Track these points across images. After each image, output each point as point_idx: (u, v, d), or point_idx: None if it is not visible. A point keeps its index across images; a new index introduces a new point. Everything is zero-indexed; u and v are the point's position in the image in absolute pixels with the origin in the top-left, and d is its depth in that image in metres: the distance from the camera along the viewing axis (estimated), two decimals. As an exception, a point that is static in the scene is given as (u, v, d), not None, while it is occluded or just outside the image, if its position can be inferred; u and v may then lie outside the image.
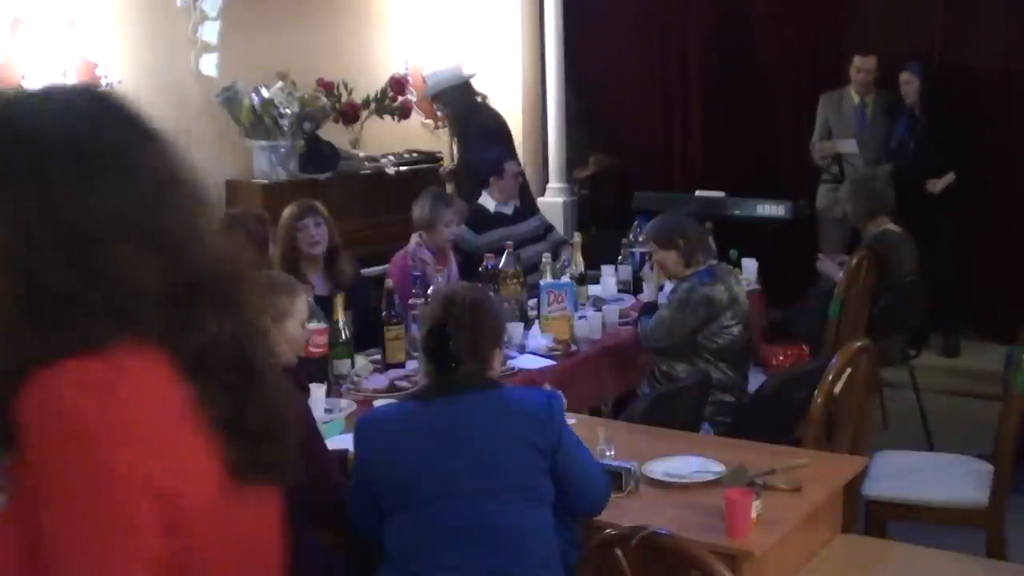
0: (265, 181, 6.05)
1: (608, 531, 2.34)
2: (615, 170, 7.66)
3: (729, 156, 7.41)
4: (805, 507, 2.78)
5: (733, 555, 2.51)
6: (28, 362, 1.15)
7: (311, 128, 6.18)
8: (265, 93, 5.96)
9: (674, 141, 7.70)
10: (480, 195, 5.67)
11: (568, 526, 2.67)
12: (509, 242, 4.78)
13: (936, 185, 6.12)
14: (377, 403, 3.37)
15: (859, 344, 3.47)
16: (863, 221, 5.31)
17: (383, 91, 6.71)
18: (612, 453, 2.93)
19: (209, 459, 1.21)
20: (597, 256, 5.51)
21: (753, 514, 2.61)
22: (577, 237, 5.14)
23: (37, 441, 1.14)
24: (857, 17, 6.82)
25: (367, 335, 4.06)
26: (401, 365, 3.99)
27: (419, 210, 4.96)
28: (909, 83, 6.19)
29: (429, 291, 4.23)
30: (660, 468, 2.96)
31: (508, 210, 5.63)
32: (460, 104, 6.43)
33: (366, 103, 6.64)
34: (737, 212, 6.92)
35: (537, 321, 4.48)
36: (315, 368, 3.62)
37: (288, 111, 5.98)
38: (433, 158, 6.89)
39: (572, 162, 7.72)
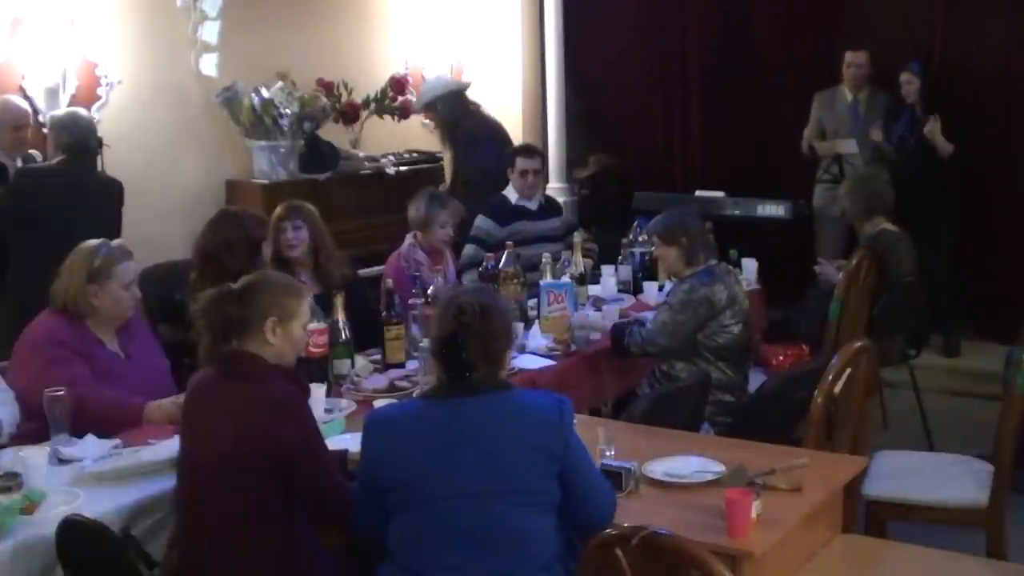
0: (265, 181, 6.05)
1: (608, 531, 2.34)
2: (615, 170, 7.66)
3: (729, 156, 7.41)
4: (805, 507, 2.78)
5: (733, 555, 2.51)
6: None
7: (311, 128, 6.18)
8: (265, 93, 5.96)
9: (674, 141, 7.70)
10: (472, 203, 5.67)
11: (570, 533, 2.66)
12: (510, 242, 4.78)
13: (935, 134, 6.07)
14: (377, 403, 3.37)
15: (859, 344, 3.47)
16: (860, 220, 5.31)
17: (383, 91, 6.71)
18: (612, 453, 2.93)
19: None
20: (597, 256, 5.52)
21: (753, 514, 2.61)
22: (577, 237, 5.13)
23: None
24: (857, 17, 6.81)
25: (364, 335, 4.06)
26: (401, 365, 3.99)
27: (414, 210, 4.94)
28: (910, 83, 6.19)
29: (429, 291, 4.25)
30: (660, 468, 2.96)
31: (532, 205, 5.63)
32: (449, 112, 6.40)
33: (366, 103, 6.64)
34: (737, 212, 6.92)
35: (537, 321, 4.48)
36: (315, 368, 3.62)
37: (288, 111, 5.99)
38: (433, 158, 6.89)
39: (572, 162, 7.72)
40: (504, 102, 7.72)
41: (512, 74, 7.76)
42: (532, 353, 4.20)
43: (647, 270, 5.14)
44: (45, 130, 5.26)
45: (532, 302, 4.59)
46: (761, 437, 3.36)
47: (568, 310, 4.47)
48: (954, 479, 3.61)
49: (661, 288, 4.93)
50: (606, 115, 7.84)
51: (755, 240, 6.08)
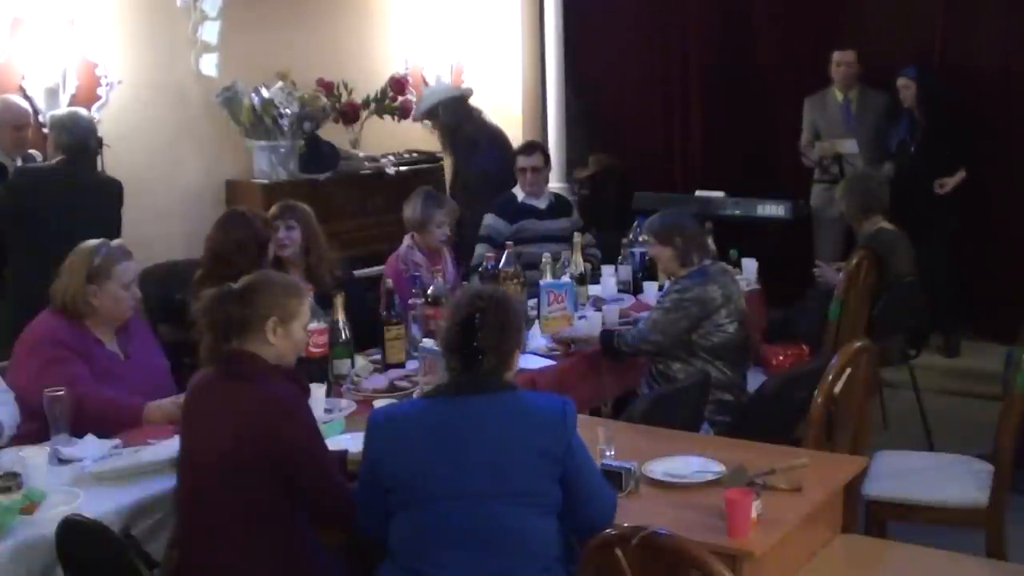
0: (265, 181, 6.05)
1: (608, 531, 2.34)
2: (615, 170, 7.65)
3: (729, 156, 7.41)
4: (805, 507, 2.78)
5: (733, 555, 2.51)
6: None
7: (311, 128, 6.18)
8: (265, 93, 5.96)
9: (674, 141, 7.69)
10: (472, 207, 5.67)
11: (570, 535, 2.66)
12: (510, 242, 4.78)
13: (947, 185, 6.11)
14: (377, 403, 3.37)
15: (859, 344, 3.47)
16: (858, 220, 5.32)
17: (383, 91, 6.71)
18: (612, 453, 2.93)
19: None
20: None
21: (753, 514, 2.61)
22: (577, 237, 5.13)
23: None
24: (857, 17, 6.81)
25: (360, 335, 4.05)
26: (401, 365, 3.99)
27: (410, 211, 4.93)
28: (907, 88, 6.19)
29: (429, 291, 4.25)
30: (660, 468, 2.96)
31: (541, 204, 5.63)
32: (450, 117, 6.40)
33: (366, 103, 6.64)
34: (737, 212, 6.92)
35: (537, 321, 4.48)
36: (315, 368, 3.62)
37: (288, 111, 5.99)
38: (433, 158, 6.89)
39: (572, 162, 7.72)
40: (504, 102, 7.72)
41: (512, 74, 7.76)
42: (532, 353, 4.20)
43: (647, 270, 5.14)
44: (45, 130, 5.26)
45: (532, 302, 4.59)
46: (761, 437, 3.36)
47: (568, 310, 4.47)
48: (954, 479, 3.61)
49: (661, 288, 4.93)
50: (606, 115, 7.83)
51: (755, 240, 6.08)
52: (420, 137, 7.00)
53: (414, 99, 7.00)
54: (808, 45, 7.01)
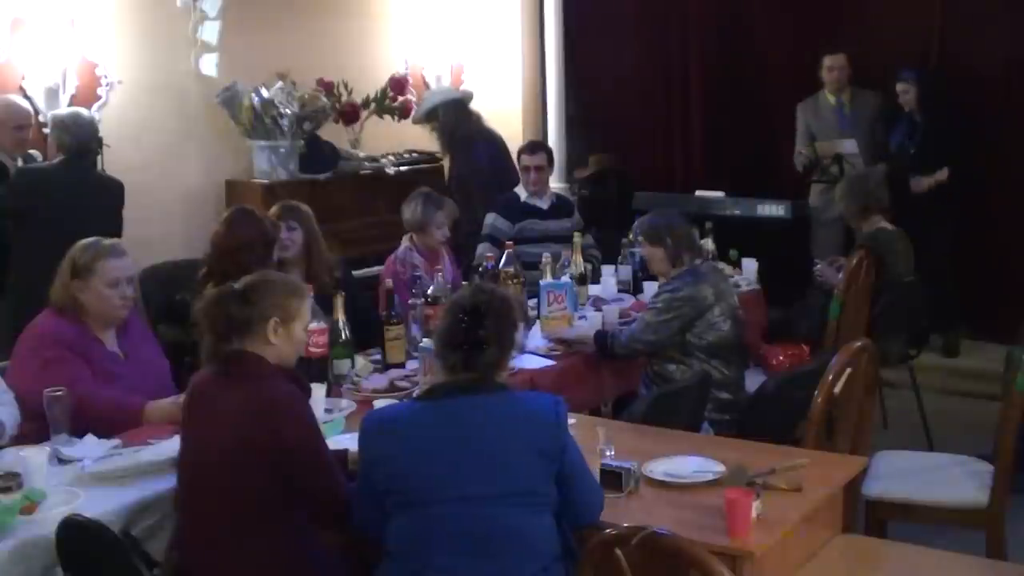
0: (265, 181, 6.05)
1: (608, 531, 2.34)
2: (615, 170, 7.65)
3: (729, 156, 7.41)
4: (805, 507, 2.78)
5: (733, 555, 2.51)
6: None
7: (311, 128, 6.18)
8: (265, 93, 5.96)
9: (674, 141, 7.69)
10: (469, 208, 5.66)
11: (568, 532, 2.66)
12: (510, 242, 4.78)
13: (922, 183, 6.10)
14: (377, 403, 3.37)
15: (859, 344, 3.47)
16: (857, 220, 5.32)
17: (383, 91, 6.71)
18: (612, 453, 2.93)
19: None
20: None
21: (753, 514, 2.61)
22: (577, 238, 5.13)
23: None
24: (856, 18, 6.81)
25: (360, 335, 4.05)
26: (401, 365, 3.99)
27: (409, 212, 4.92)
28: (907, 92, 6.19)
29: (428, 291, 4.25)
30: (660, 468, 2.96)
31: (543, 204, 5.63)
32: (449, 119, 6.39)
33: (366, 103, 6.64)
34: (737, 212, 6.92)
35: (537, 321, 4.48)
36: (315, 368, 3.62)
37: (288, 111, 5.99)
38: (433, 158, 6.89)
39: (572, 162, 7.72)
40: (504, 102, 7.73)
41: (512, 74, 7.76)
42: (532, 353, 4.20)
43: (647, 270, 5.14)
44: (45, 130, 5.26)
45: (532, 302, 4.59)
46: (761, 437, 3.37)
47: (568, 310, 4.47)
48: (954, 479, 3.61)
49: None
50: (606, 115, 7.83)
51: (755, 240, 6.07)
52: (420, 137, 7.00)
53: (414, 99, 7.01)
54: (808, 45, 7.00)
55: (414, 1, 7.27)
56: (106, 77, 5.66)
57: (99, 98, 5.64)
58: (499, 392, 2.63)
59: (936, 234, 5.95)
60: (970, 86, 6.32)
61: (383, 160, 6.64)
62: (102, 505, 2.78)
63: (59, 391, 3.18)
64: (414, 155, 6.87)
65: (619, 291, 5.11)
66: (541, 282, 4.58)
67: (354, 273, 5.06)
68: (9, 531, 2.63)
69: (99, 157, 5.20)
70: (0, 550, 2.58)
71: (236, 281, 2.91)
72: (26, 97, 5.29)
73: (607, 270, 5.19)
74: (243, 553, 2.69)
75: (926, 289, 5.21)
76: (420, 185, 5.30)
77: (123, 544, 2.62)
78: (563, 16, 7.58)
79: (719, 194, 7.07)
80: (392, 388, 3.76)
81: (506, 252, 4.61)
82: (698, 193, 7.17)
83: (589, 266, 5.12)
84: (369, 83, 6.72)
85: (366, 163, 6.58)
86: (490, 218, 5.52)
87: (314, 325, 3.68)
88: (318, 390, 3.38)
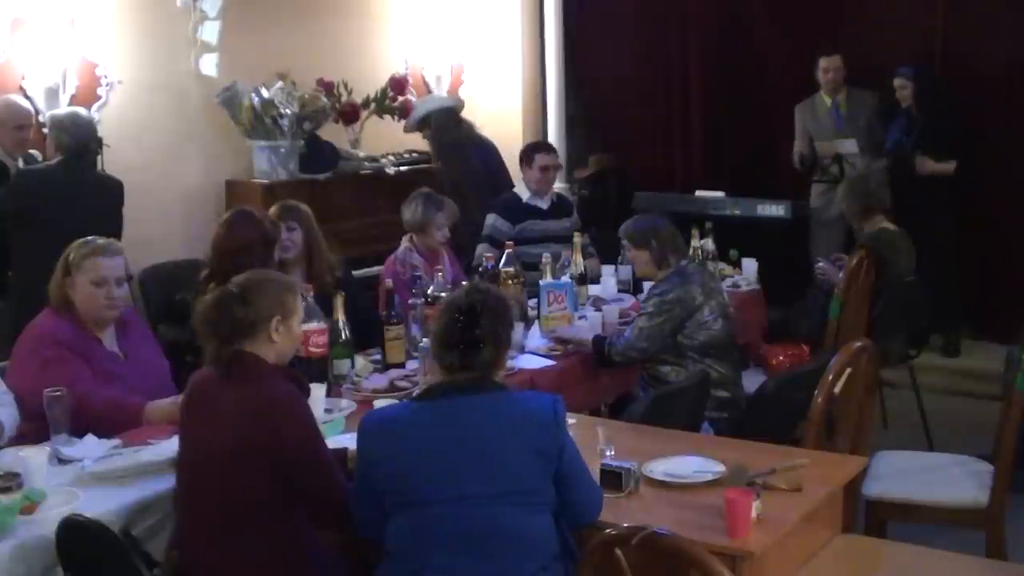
0: (265, 181, 6.05)
1: (608, 531, 2.34)
2: (615, 170, 7.66)
3: (729, 156, 7.41)
4: (805, 507, 2.78)
5: (733, 555, 2.51)
6: None
7: (311, 128, 6.18)
8: (265, 93, 5.96)
9: (674, 141, 7.69)
10: (467, 211, 5.65)
11: (566, 532, 2.66)
12: (510, 242, 4.78)
13: (926, 165, 6.09)
14: (377, 403, 3.37)
15: (859, 344, 3.47)
16: (859, 220, 5.32)
17: (383, 91, 6.71)
18: (612, 453, 2.93)
19: None
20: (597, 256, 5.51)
21: (753, 514, 2.61)
22: (577, 238, 5.13)
23: None
24: (856, 17, 6.81)
25: (360, 335, 4.05)
26: (401, 365, 3.99)
27: (410, 213, 4.92)
28: (904, 88, 6.19)
29: (429, 291, 4.25)
30: (660, 468, 2.96)
31: (543, 204, 5.62)
32: (440, 125, 6.36)
33: (366, 103, 6.64)
34: (737, 212, 6.92)
35: (537, 321, 4.48)
36: (315, 368, 3.62)
37: (288, 111, 5.99)
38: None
39: (572, 162, 7.72)
40: (504, 102, 7.73)
41: (512, 74, 7.76)
42: (532, 353, 4.20)
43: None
44: (45, 130, 5.26)
45: (532, 302, 4.59)
46: (761, 437, 3.36)
47: (568, 310, 4.47)
48: (954, 479, 3.62)
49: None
50: (606, 115, 7.84)
51: (755, 240, 6.08)
52: (420, 137, 7.00)
53: (414, 99, 7.01)
54: (808, 45, 6.99)
55: (414, 1, 7.27)
56: (106, 77, 5.66)
57: (99, 98, 5.64)
58: (497, 392, 2.63)
59: (936, 234, 5.95)
60: (973, 86, 6.32)
61: (383, 160, 6.64)
62: (102, 505, 2.78)
63: (59, 391, 3.18)
64: (414, 155, 6.87)
65: (619, 291, 5.11)
66: (541, 282, 4.58)
67: (354, 273, 5.06)
68: (9, 531, 2.63)
69: (99, 157, 5.20)
70: (0, 550, 2.58)
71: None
72: (26, 97, 5.28)
73: (607, 270, 5.19)
74: (243, 553, 2.70)
75: (926, 289, 5.21)
76: (420, 185, 5.30)
77: (123, 544, 2.62)
78: (563, 16, 7.58)
79: (719, 194, 7.07)
80: (392, 388, 3.76)
81: (506, 252, 4.61)
82: (698, 193, 7.17)
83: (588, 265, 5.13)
84: (369, 83, 6.72)
85: (366, 163, 6.58)
86: (490, 219, 5.51)
87: (314, 325, 3.68)
88: (318, 390, 3.38)
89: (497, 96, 7.71)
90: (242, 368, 2.77)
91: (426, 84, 7.39)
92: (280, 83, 6.04)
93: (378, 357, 4.08)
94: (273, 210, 4.48)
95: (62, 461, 3.08)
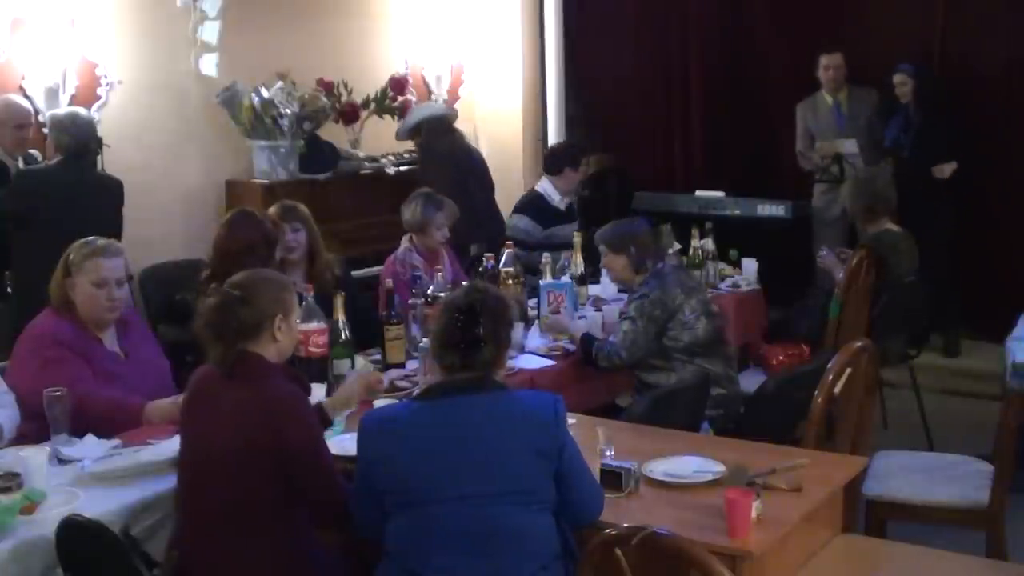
0: (265, 181, 6.05)
1: (608, 531, 2.34)
2: (615, 170, 7.66)
3: (729, 156, 7.41)
4: (805, 507, 2.78)
5: (733, 555, 2.51)
6: None
7: (311, 128, 6.18)
8: (265, 93, 5.96)
9: (674, 141, 7.69)
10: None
11: (567, 532, 2.66)
12: (510, 242, 4.78)
13: (944, 171, 6.10)
14: (377, 403, 3.37)
15: (859, 344, 3.47)
16: (863, 221, 5.31)
17: (383, 91, 6.70)
18: (612, 453, 2.93)
19: None
20: (597, 256, 5.51)
21: (753, 514, 2.61)
22: (577, 237, 5.13)
23: None
24: (856, 17, 6.81)
25: (360, 335, 4.05)
26: (401, 365, 3.99)
27: (409, 213, 4.92)
28: (904, 84, 6.19)
29: (429, 291, 4.25)
30: (660, 468, 2.96)
31: (564, 207, 5.65)
32: (429, 135, 6.28)
33: (366, 103, 6.64)
34: (737, 212, 6.92)
35: (537, 321, 4.48)
36: (315, 368, 3.62)
37: (288, 111, 5.99)
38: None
39: (572, 162, 7.71)
40: (504, 102, 7.73)
41: (512, 74, 7.76)
42: (532, 353, 4.20)
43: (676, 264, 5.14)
44: (45, 130, 5.27)
45: (532, 302, 4.60)
46: (761, 437, 3.37)
47: (568, 310, 4.47)
48: (954, 479, 3.61)
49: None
50: (606, 115, 7.83)
51: (755, 240, 6.08)
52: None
53: (414, 99, 7.00)
54: (808, 44, 7.00)
55: (414, 1, 7.27)
56: (106, 77, 5.66)
57: (99, 98, 5.64)
58: (497, 391, 2.63)
59: (935, 233, 5.95)
60: (971, 86, 6.33)
61: (383, 160, 6.63)
62: (102, 505, 2.79)
63: (59, 391, 3.17)
64: (414, 155, 6.86)
65: (619, 291, 5.10)
66: (541, 282, 4.58)
67: (354, 273, 5.06)
68: (9, 531, 2.63)
69: (99, 157, 5.20)
70: (0, 550, 2.58)
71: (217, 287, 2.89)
72: (26, 97, 5.29)
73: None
74: (243, 552, 2.70)
75: (926, 289, 5.21)
76: (420, 185, 5.29)
77: (123, 544, 2.62)
78: (563, 16, 7.58)
79: (719, 194, 7.08)
80: (392, 388, 3.76)
81: (506, 252, 4.62)
82: (698, 193, 7.17)
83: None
84: (369, 83, 6.72)
85: (366, 163, 6.58)
86: (517, 220, 5.51)
87: (314, 325, 3.68)
88: (318, 390, 3.38)
89: (497, 96, 7.71)
90: (245, 368, 2.77)
91: (426, 84, 7.39)
92: (280, 83, 6.04)
93: (378, 357, 4.08)
94: (274, 210, 4.47)
95: (62, 461, 3.08)
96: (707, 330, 4.15)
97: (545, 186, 5.77)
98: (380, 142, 6.76)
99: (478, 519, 2.49)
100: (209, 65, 5.90)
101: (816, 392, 3.30)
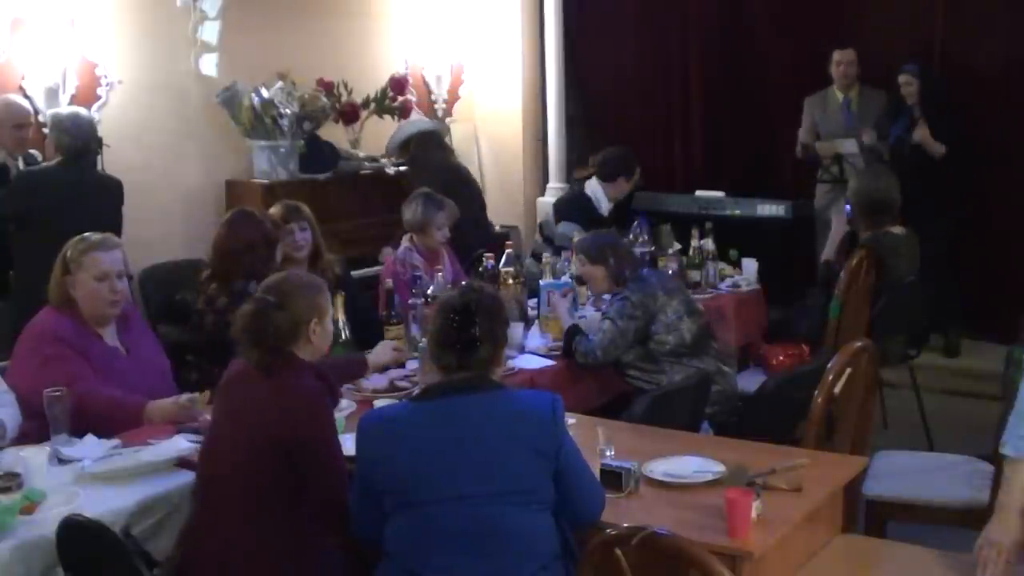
0: (265, 181, 6.05)
1: (608, 531, 2.34)
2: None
3: (729, 156, 7.41)
4: (805, 507, 2.78)
5: (733, 555, 2.51)
6: None
7: (311, 128, 6.18)
8: (265, 93, 5.96)
9: (674, 141, 7.69)
10: None
11: (567, 532, 2.66)
12: (509, 241, 4.79)
13: (920, 132, 6.08)
14: (377, 403, 3.38)
15: (859, 344, 3.47)
16: (866, 222, 5.30)
17: (383, 91, 6.71)
18: (612, 453, 2.93)
19: None
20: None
21: (753, 514, 2.61)
22: (577, 237, 5.13)
23: None
24: (856, 16, 6.81)
25: (360, 335, 4.05)
26: (401, 365, 3.99)
27: (410, 213, 4.92)
28: (909, 84, 6.18)
29: (429, 291, 4.25)
30: (660, 468, 2.96)
31: (607, 213, 5.69)
32: (417, 150, 6.20)
33: (366, 103, 6.64)
34: (737, 212, 6.92)
35: (537, 321, 4.48)
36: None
37: (288, 111, 5.99)
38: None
39: (572, 162, 7.72)
40: (504, 102, 7.73)
41: (512, 74, 7.76)
42: (532, 353, 4.20)
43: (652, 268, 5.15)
44: (45, 130, 5.27)
45: (532, 302, 4.60)
46: (761, 437, 3.36)
47: (569, 308, 4.47)
48: (954, 479, 3.61)
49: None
50: (606, 115, 7.83)
51: (755, 240, 6.08)
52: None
53: (414, 99, 7.00)
54: (808, 44, 7.01)
55: (414, 1, 7.27)
56: (106, 77, 5.66)
57: (99, 98, 5.64)
58: (495, 391, 2.63)
59: (936, 233, 5.94)
60: (971, 86, 6.32)
61: (383, 160, 6.64)
62: (102, 505, 2.79)
63: (59, 391, 3.17)
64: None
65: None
66: (541, 282, 4.58)
67: (353, 274, 5.06)
68: (9, 531, 2.63)
69: (99, 157, 5.20)
70: (0, 550, 2.58)
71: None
72: (26, 97, 5.29)
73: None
74: (252, 542, 2.71)
75: (926, 289, 5.20)
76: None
77: (123, 544, 2.62)
78: (563, 16, 7.58)
79: (719, 194, 7.07)
80: (392, 388, 3.77)
81: (506, 252, 4.62)
82: (698, 193, 7.17)
83: None
84: (369, 83, 6.72)
85: (366, 163, 6.58)
86: (565, 228, 5.51)
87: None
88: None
89: (497, 96, 7.71)
90: (277, 363, 2.82)
91: (426, 84, 7.39)
92: (280, 83, 6.04)
93: (378, 357, 4.08)
94: (278, 210, 4.47)
95: (62, 461, 3.08)
96: (691, 330, 4.16)
97: (595, 190, 5.78)
98: (380, 142, 6.76)
99: (477, 519, 2.49)
100: (209, 65, 5.90)
101: (816, 392, 3.30)
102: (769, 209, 6.87)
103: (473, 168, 7.64)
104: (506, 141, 7.75)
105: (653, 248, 5.23)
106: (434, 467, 2.52)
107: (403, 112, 6.79)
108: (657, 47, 7.65)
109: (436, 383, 2.67)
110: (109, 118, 5.63)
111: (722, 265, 5.41)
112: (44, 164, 5.15)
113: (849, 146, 6.48)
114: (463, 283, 2.83)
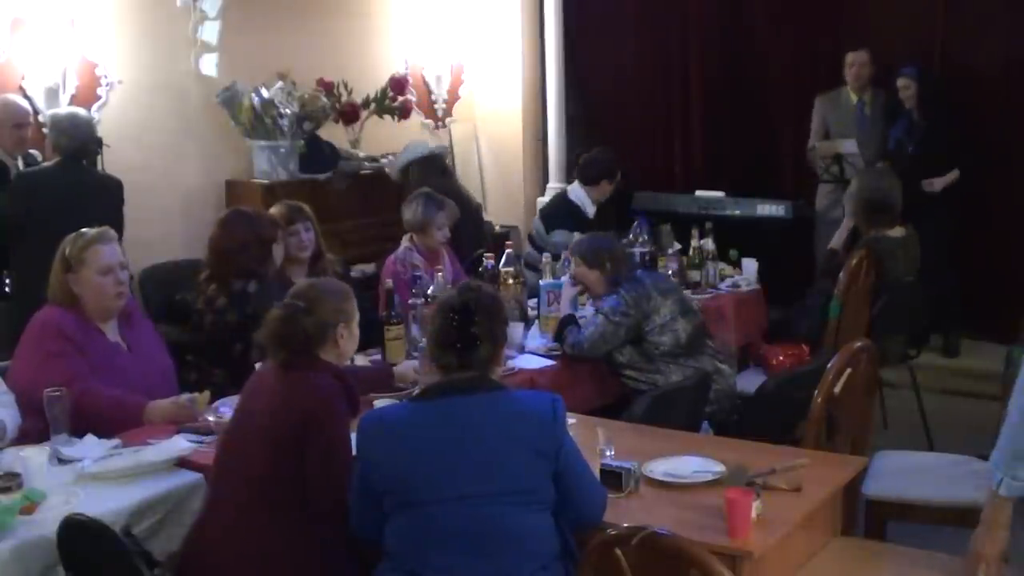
0: (265, 181, 6.05)
1: (608, 531, 2.34)
2: (615, 170, 7.65)
3: (729, 156, 7.41)
4: (805, 507, 2.78)
5: (733, 555, 2.51)
6: None
7: (311, 128, 6.18)
8: (265, 93, 5.96)
9: (674, 141, 7.69)
10: None
11: (567, 532, 2.66)
12: (509, 241, 4.79)
13: (934, 184, 6.11)
14: (377, 403, 3.37)
15: (859, 344, 3.47)
16: (865, 223, 5.29)
17: (383, 91, 6.71)
18: (612, 453, 2.93)
19: None
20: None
21: (753, 514, 2.61)
22: (577, 235, 5.13)
23: None
24: (857, 17, 6.81)
25: (360, 335, 4.04)
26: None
27: (410, 213, 4.92)
28: (907, 87, 6.18)
29: (429, 291, 4.25)
30: (660, 468, 2.96)
31: (593, 215, 5.69)
32: (418, 175, 6.19)
33: (366, 103, 6.64)
34: (737, 212, 6.92)
35: (537, 321, 4.48)
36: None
37: (288, 111, 5.99)
38: (433, 158, 6.87)
39: (572, 162, 7.71)
40: (504, 102, 7.73)
41: (512, 74, 7.77)
42: (532, 353, 4.20)
43: (646, 269, 5.15)
44: (45, 130, 5.26)
45: (532, 302, 4.60)
46: (761, 437, 3.36)
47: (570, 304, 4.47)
48: (954, 479, 3.61)
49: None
50: (606, 115, 7.84)
51: (755, 240, 6.08)
52: (420, 137, 7.00)
53: (414, 99, 7.00)
54: (808, 45, 7.02)
55: (414, 1, 7.27)
56: (106, 77, 5.66)
57: (99, 98, 5.64)
58: (495, 391, 2.63)
59: (936, 234, 5.94)
60: (971, 86, 6.32)
61: (383, 160, 6.63)
62: (102, 505, 2.79)
63: (59, 391, 3.18)
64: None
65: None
66: (541, 282, 4.58)
67: (352, 274, 5.07)
68: (9, 531, 2.63)
69: (99, 157, 5.20)
70: (0, 550, 2.58)
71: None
72: (26, 97, 5.29)
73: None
74: (259, 531, 2.72)
75: (926, 289, 5.20)
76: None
77: (123, 544, 2.62)
78: (563, 16, 7.58)
79: (719, 194, 7.08)
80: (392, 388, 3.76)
81: (506, 252, 4.62)
82: (698, 193, 7.17)
83: None
84: (369, 83, 6.72)
85: (366, 163, 6.58)
86: (561, 236, 5.51)
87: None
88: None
89: (497, 96, 7.71)
90: (299, 361, 2.86)
91: (426, 84, 7.40)
92: (280, 83, 6.04)
93: (378, 357, 4.08)
94: (280, 210, 4.47)
95: (62, 461, 3.08)
96: (686, 330, 4.16)
97: (579, 195, 5.78)
98: (380, 142, 6.77)
99: (477, 519, 2.49)
100: (209, 65, 5.90)
101: (816, 392, 3.31)
102: (769, 209, 6.87)
103: (473, 168, 7.67)
104: (506, 141, 7.75)
105: (653, 248, 5.23)
106: (434, 467, 2.52)
107: (403, 112, 6.79)
108: (657, 47, 7.65)
109: (436, 383, 2.67)
110: (109, 118, 5.63)
111: (722, 265, 5.41)
112: (43, 165, 5.15)
113: (849, 146, 6.48)
114: (462, 282, 2.84)
